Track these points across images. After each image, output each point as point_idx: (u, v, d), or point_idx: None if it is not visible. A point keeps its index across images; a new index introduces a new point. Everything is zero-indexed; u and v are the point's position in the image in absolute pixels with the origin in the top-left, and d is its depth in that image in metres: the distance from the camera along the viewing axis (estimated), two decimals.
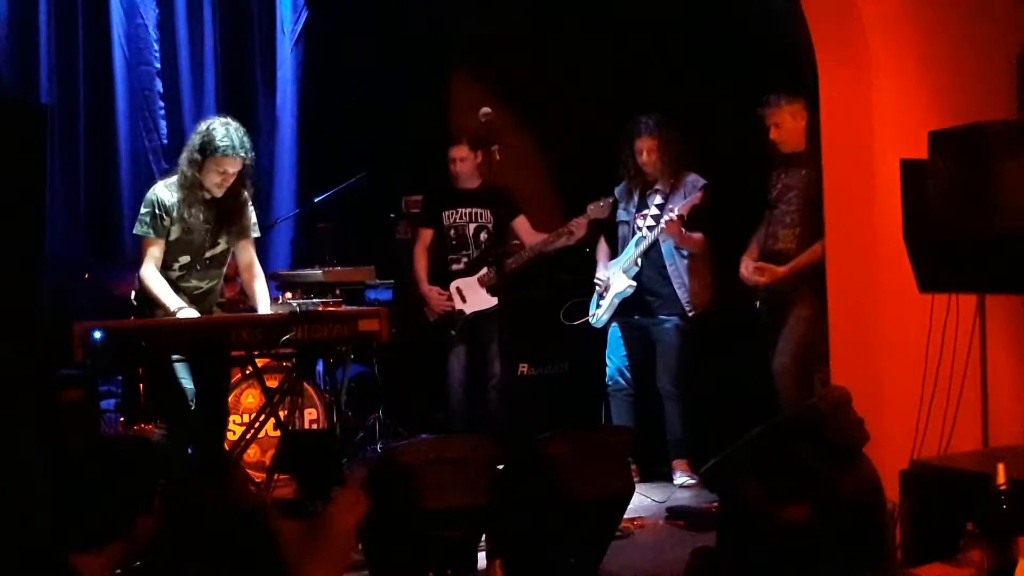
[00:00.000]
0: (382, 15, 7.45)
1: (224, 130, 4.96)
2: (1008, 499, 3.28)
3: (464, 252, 6.21)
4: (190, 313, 4.90)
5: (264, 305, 5.23)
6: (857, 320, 4.70)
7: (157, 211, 4.98)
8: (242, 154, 4.97)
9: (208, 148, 4.92)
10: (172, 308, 4.88)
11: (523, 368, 6.67)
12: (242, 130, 5.04)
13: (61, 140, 6.62)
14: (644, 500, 5.48)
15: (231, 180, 5.01)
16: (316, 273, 6.36)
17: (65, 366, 4.98)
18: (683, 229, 5.79)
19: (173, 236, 5.01)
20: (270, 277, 6.69)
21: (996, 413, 4.22)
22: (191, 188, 4.98)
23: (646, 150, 5.92)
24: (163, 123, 6.98)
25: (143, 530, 2.71)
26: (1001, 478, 3.31)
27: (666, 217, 5.78)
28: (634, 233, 5.99)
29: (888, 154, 4.46)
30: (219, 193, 5.02)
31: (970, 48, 4.62)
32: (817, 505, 3.00)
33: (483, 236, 6.19)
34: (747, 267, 5.61)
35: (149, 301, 4.98)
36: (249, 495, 4.27)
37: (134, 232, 5.09)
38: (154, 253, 4.98)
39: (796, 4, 4.85)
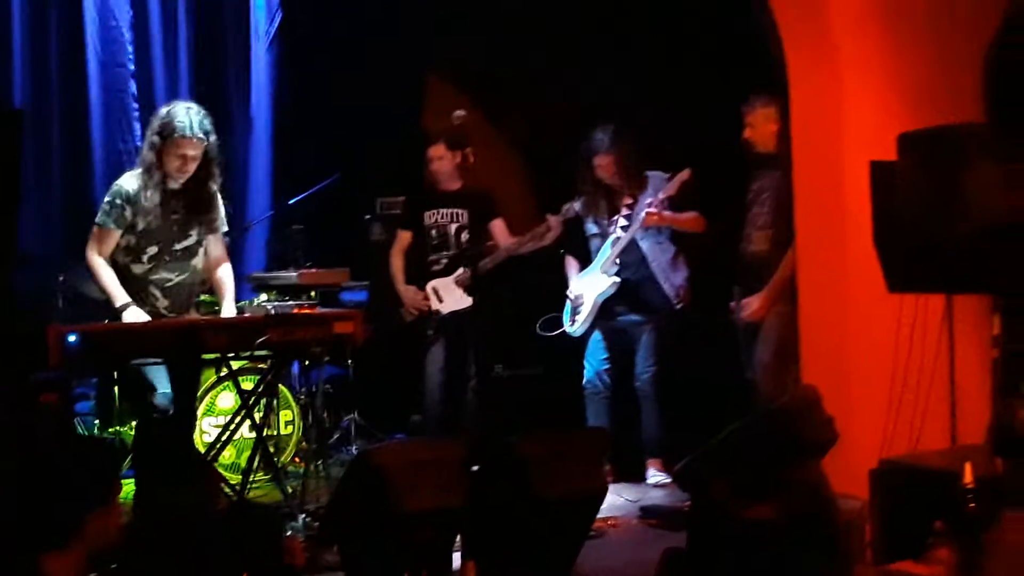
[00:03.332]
0: (356, 17, 7.46)
1: (184, 112, 4.92)
2: (975, 497, 3.33)
3: (445, 252, 6.21)
4: (136, 314, 4.86)
5: (230, 304, 5.22)
6: (827, 320, 4.75)
7: (119, 201, 4.95)
8: (200, 135, 4.91)
9: (166, 130, 4.89)
10: (117, 303, 4.85)
11: (498, 369, 6.69)
12: (203, 113, 4.98)
13: (35, 142, 6.61)
14: (618, 499, 5.51)
15: (191, 165, 4.95)
16: (291, 275, 6.37)
17: (40, 369, 4.97)
18: (668, 212, 5.81)
19: (140, 227, 4.97)
20: (245, 279, 6.70)
21: (964, 412, 4.26)
22: (149, 172, 4.93)
23: (604, 166, 5.96)
24: (137, 125, 6.97)
25: (98, 527, 2.72)
26: (968, 477, 3.37)
27: (642, 214, 5.81)
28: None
29: (858, 156, 4.51)
30: (180, 179, 4.96)
31: (939, 51, 4.67)
32: (782, 505, 3.04)
33: (464, 236, 6.20)
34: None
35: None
36: (221, 498, 4.29)
37: (95, 220, 5.00)
38: (105, 242, 4.94)
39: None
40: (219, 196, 5.20)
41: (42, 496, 2.74)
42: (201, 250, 5.17)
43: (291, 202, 6.60)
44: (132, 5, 6.99)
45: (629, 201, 5.94)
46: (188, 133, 4.88)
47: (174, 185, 4.98)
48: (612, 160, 5.94)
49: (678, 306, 5.97)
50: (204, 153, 4.98)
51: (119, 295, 4.88)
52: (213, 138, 5.00)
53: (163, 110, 5.00)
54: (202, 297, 5.57)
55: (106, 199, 5.01)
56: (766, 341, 5.41)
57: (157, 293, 5.02)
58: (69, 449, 3.02)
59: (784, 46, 4.88)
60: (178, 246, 5.07)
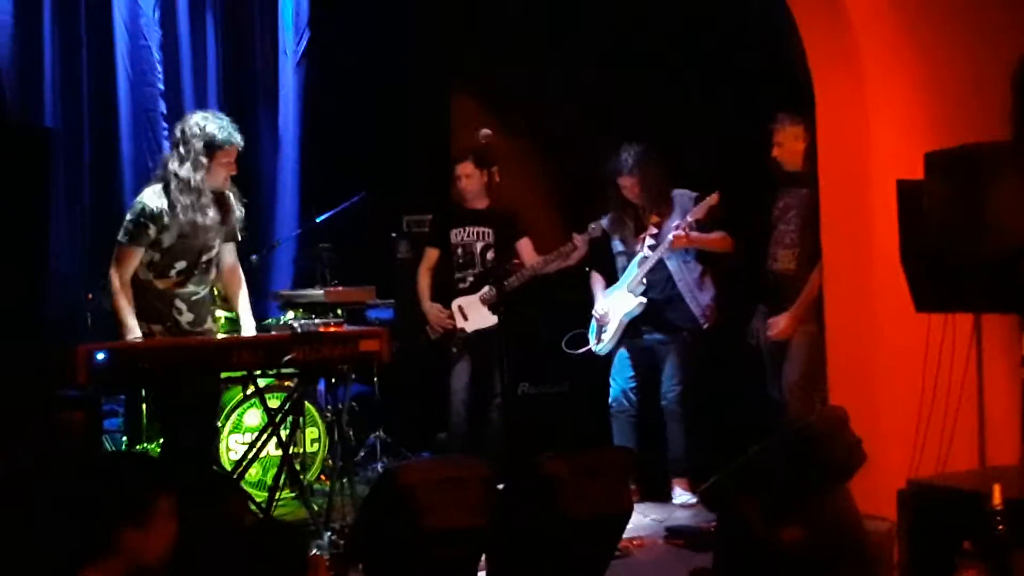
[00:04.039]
0: (383, 36, 7.50)
1: (217, 122, 4.99)
2: (1004, 519, 3.30)
3: (471, 271, 6.24)
4: None
5: (247, 313, 5.27)
6: (854, 340, 4.72)
7: (142, 220, 4.92)
8: (239, 138, 5.04)
9: (214, 144, 4.94)
10: (127, 336, 4.86)
11: (524, 387, 6.69)
12: (222, 115, 5.09)
13: (66, 161, 6.66)
14: (643, 519, 5.49)
15: (235, 168, 5.06)
16: (317, 293, 6.39)
17: (68, 387, 5.00)
18: (695, 234, 5.80)
19: (166, 244, 4.97)
20: (272, 297, 6.74)
21: (992, 432, 4.24)
22: (200, 192, 4.95)
23: (629, 186, 5.96)
24: (167, 143, 7.00)
25: (135, 544, 2.73)
26: (997, 498, 3.34)
27: (670, 235, 5.80)
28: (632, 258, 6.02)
29: (884, 175, 4.49)
30: (226, 185, 5.06)
31: (965, 70, 4.65)
32: (811, 526, 3.02)
33: (489, 255, 6.21)
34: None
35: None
36: (247, 515, 4.30)
37: (118, 239, 4.99)
38: (129, 262, 4.94)
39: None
40: (236, 200, 5.22)
41: (72, 511, 2.75)
42: (218, 259, 5.22)
43: (318, 220, 6.63)
44: (161, 25, 7.05)
45: (656, 220, 5.95)
46: (235, 140, 4.99)
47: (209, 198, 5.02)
48: (636, 181, 5.94)
49: (704, 326, 5.96)
50: None
51: (132, 328, 4.89)
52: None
53: (192, 129, 4.96)
54: (225, 315, 5.60)
55: (128, 218, 4.98)
56: (793, 361, 5.38)
57: (183, 307, 5.03)
58: (101, 465, 3.04)
59: (811, 64, 4.87)
60: (205, 258, 5.10)
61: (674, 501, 5.92)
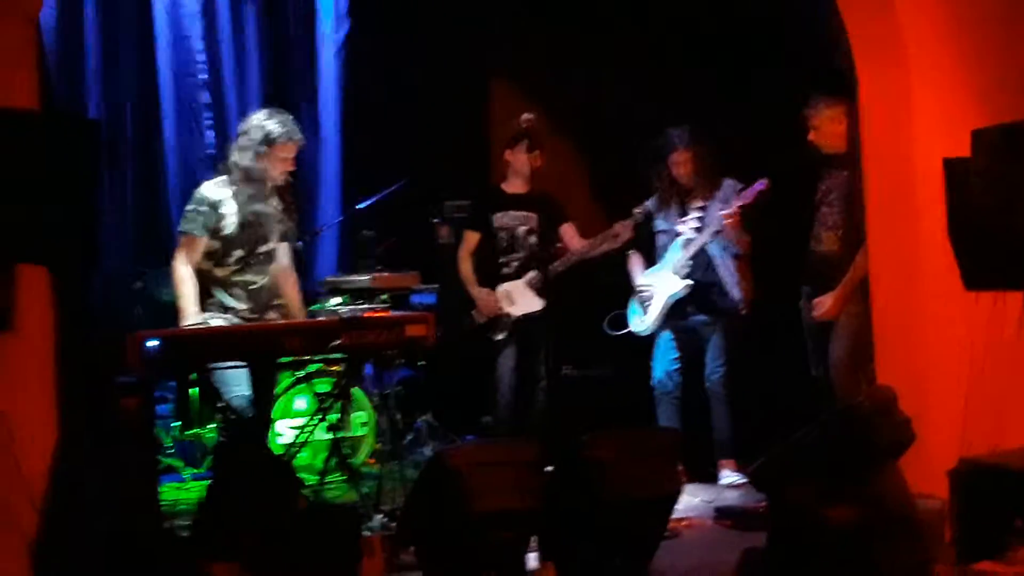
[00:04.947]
0: (423, 24, 7.51)
1: (280, 118, 5.16)
2: None
3: (515, 255, 6.23)
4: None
5: (301, 311, 5.39)
6: (902, 319, 4.70)
7: (204, 207, 5.07)
8: (300, 136, 5.20)
9: (271, 138, 5.10)
10: (186, 321, 4.94)
11: (568, 370, 6.70)
12: (287, 114, 5.25)
13: (110, 152, 6.74)
14: (692, 500, 5.50)
15: (292, 165, 5.21)
16: (363, 279, 6.44)
17: (121, 374, 5.08)
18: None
19: (227, 231, 5.10)
20: (318, 284, 6.79)
21: None
22: (260, 182, 5.12)
23: (681, 163, 5.95)
24: (209, 133, 7.09)
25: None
26: None
27: (718, 215, 5.80)
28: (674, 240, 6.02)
29: (930, 153, 4.46)
30: (282, 180, 5.20)
31: (1011, 44, 4.60)
32: (862, 506, 3.03)
33: (532, 239, 6.22)
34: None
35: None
36: (301, 498, 4.35)
37: (179, 229, 5.16)
38: (192, 250, 5.06)
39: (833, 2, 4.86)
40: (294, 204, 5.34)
41: (217, 511, 2.81)
42: (276, 253, 5.29)
43: (360, 207, 6.66)
44: (203, 15, 7.11)
45: (700, 203, 5.94)
46: (294, 136, 5.15)
47: (270, 187, 5.16)
48: (690, 157, 5.94)
49: (742, 311, 5.96)
50: None
51: (191, 313, 4.97)
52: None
53: (254, 121, 5.17)
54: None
55: (189, 207, 5.12)
56: (840, 340, 5.36)
57: (242, 294, 5.13)
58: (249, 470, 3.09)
59: (853, 43, 4.84)
60: (262, 249, 5.19)
61: (720, 482, 5.93)
